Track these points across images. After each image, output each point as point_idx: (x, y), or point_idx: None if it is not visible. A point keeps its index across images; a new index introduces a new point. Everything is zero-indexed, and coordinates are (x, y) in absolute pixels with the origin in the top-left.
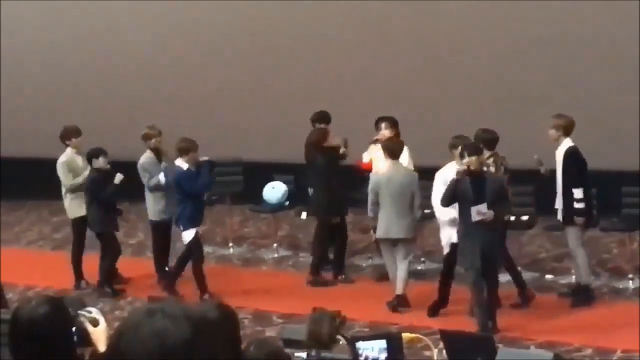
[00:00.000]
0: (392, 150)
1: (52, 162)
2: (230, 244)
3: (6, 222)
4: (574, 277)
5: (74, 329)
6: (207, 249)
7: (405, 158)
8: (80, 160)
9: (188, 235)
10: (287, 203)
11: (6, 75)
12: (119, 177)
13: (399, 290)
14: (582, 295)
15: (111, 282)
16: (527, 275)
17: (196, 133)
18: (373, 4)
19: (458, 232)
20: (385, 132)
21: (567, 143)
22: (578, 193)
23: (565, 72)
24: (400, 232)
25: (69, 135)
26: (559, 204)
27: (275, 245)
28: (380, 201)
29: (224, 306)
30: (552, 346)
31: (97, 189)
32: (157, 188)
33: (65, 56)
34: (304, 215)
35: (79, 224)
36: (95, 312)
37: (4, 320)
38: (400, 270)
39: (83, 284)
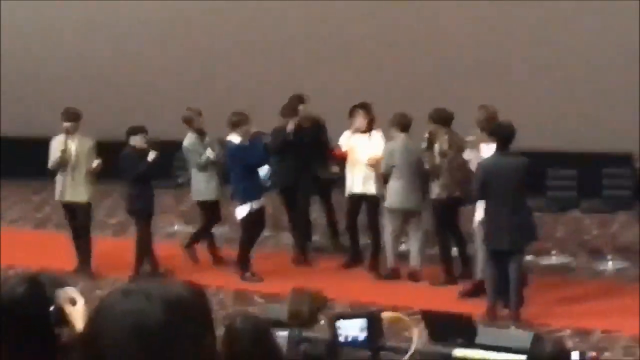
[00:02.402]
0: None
1: (33, 142)
2: None
3: None
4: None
5: (51, 308)
6: (189, 228)
7: (379, 142)
8: (73, 143)
9: (242, 210)
10: (269, 184)
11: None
12: (152, 154)
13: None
14: None
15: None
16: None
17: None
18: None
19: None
20: (361, 120)
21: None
22: None
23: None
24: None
25: (61, 117)
26: None
27: None
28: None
29: (195, 285)
30: (532, 327)
31: (129, 167)
32: (208, 165)
33: (77, 36)
34: None
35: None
36: (73, 291)
37: None
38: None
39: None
